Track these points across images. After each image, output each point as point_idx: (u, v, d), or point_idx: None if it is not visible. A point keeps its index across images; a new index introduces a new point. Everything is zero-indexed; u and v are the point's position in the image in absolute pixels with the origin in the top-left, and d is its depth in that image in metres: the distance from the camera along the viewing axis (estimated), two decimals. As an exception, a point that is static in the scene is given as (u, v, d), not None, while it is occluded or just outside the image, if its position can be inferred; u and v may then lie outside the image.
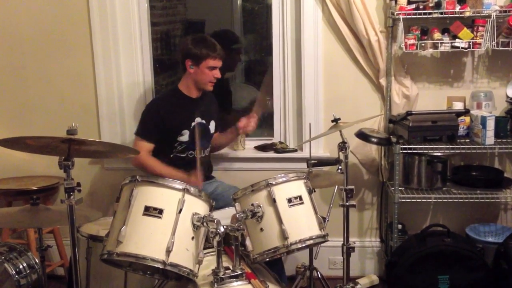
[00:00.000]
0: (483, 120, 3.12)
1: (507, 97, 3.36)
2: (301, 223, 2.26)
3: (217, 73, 3.14)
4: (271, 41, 3.61)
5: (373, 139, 3.22)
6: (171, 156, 3.18)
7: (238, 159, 3.62)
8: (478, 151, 3.20)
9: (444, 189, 3.30)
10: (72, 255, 2.23)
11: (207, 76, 3.12)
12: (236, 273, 2.09)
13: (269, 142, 3.69)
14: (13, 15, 3.57)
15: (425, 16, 3.12)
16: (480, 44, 3.11)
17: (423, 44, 3.16)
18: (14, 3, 3.56)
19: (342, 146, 2.67)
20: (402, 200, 3.24)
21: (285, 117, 3.64)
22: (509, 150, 3.21)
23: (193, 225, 2.12)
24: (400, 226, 3.38)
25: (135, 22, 3.61)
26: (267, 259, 2.23)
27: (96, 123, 3.64)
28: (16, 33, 3.60)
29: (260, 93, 3.29)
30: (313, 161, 3.01)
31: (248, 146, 3.67)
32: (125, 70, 3.63)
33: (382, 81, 3.38)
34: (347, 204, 2.65)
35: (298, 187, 2.31)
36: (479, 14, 3.11)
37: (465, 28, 3.10)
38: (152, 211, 2.08)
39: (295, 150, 3.59)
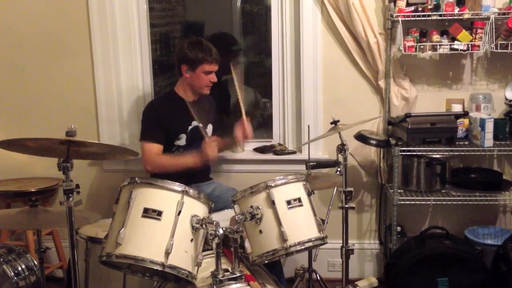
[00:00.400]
0: (482, 122, 3.12)
1: (506, 99, 3.37)
2: (300, 225, 2.26)
3: (213, 77, 3.13)
4: (270, 43, 3.61)
5: (372, 141, 3.22)
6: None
7: (237, 161, 3.62)
8: (477, 153, 3.20)
9: (443, 191, 3.30)
10: (71, 257, 2.23)
11: (203, 80, 3.11)
12: (235, 275, 2.09)
13: (268, 144, 3.69)
14: (13, 17, 3.58)
15: (424, 18, 3.13)
16: (479, 46, 3.12)
17: (422, 46, 3.17)
18: (14, 6, 3.56)
19: (341, 148, 2.67)
20: (401, 202, 3.24)
21: (284, 119, 3.64)
22: (508, 152, 3.22)
23: (192, 227, 2.11)
24: (399, 228, 3.38)
25: (134, 23, 3.62)
26: (266, 261, 2.23)
27: (95, 125, 3.64)
28: (15, 35, 3.60)
29: (239, 89, 3.18)
30: (312, 163, 3.01)
31: (247, 148, 3.67)
32: (124, 71, 3.63)
33: (381, 83, 3.38)
34: (346, 206, 2.65)
35: (297, 189, 2.31)
36: (478, 16, 3.11)
37: (464, 30, 3.11)
38: (151, 213, 2.07)
39: (294, 152, 3.59)
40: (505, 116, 3.33)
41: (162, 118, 3.12)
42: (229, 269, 2.12)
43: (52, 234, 3.59)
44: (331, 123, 2.81)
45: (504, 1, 3.23)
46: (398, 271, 3.13)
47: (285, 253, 2.21)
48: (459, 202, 3.21)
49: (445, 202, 3.24)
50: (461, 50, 3.15)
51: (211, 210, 2.24)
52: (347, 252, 2.69)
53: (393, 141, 3.23)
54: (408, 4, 3.17)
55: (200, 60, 3.06)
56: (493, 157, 3.50)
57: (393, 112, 3.39)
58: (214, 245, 2.07)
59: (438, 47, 3.16)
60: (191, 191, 2.14)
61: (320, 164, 3.12)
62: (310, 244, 2.26)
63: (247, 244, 2.23)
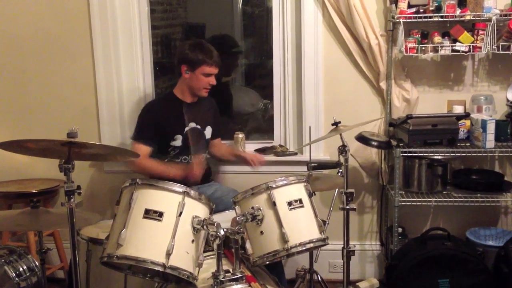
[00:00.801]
0: (484, 123, 3.12)
1: (508, 100, 3.37)
2: (301, 226, 2.26)
3: (212, 80, 3.13)
4: (272, 45, 3.61)
5: (373, 143, 3.22)
6: (166, 160, 3.17)
7: (238, 162, 3.61)
8: (478, 154, 3.20)
9: (444, 192, 3.29)
10: (72, 258, 2.22)
11: (202, 82, 3.11)
12: (236, 276, 2.09)
13: (269, 145, 3.69)
14: (14, 19, 3.58)
15: (426, 19, 3.13)
16: (480, 47, 3.12)
17: (423, 48, 3.17)
18: (15, 7, 3.57)
19: (342, 150, 2.67)
20: (402, 203, 3.23)
21: (285, 120, 3.64)
22: (509, 154, 3.21)
23: (193, 228, 2.11)
24: (400, 230, 3.38)
25: (136, 25, 3.62)
26: (267, 262, 2.23)
27: (96, 126, 3.64)
28: (17, 37, 3.61)
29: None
30: (313, 164, 3.01)
31: (249, 149, 3.66)
32: (125, 73, 3.63)
33: (382, 85, 3.38)
34: (347, 207, 2.65)
35: (298, 190, 2.31)
36: (479, 18, 3.11)
37: (465, 32, 3.11)
38: (152, 214, 2.07)
39: (295, 153, 3.59)
40: (507, 118, 3.33)
41: (157, 120, 3.12)
42: (230, 270, 2.12)
43: (53, 235, 3.59)
44: (332, 125, 2.81)
45: (506, 3, 3.23)
46: (399, 272, 3.12)
47: (286, 254, 2.21)
48: (460, 204, 3.21)
49: (446, 204, 3.23)
50: (462, 51, 3.15)
51: (212, 211, 2.24)
52: (348, 253, 2.69)
53: (394, 143, 3.22)
54: (409, 6, 3.16)
55: (200, 61, 3.06)
56: (494, 159, 3.49)
57: (394, 113, 3.39)
58: (215, 246, 2.06)
59: (440, 48, 3.16)
60: (192, 192, 2.14)
61: (321, 165, 3.12)
62: (311, 245, 2.26)
63: (248, 245, 2.23)
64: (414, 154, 3.20)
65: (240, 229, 2.09)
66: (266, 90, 3.89)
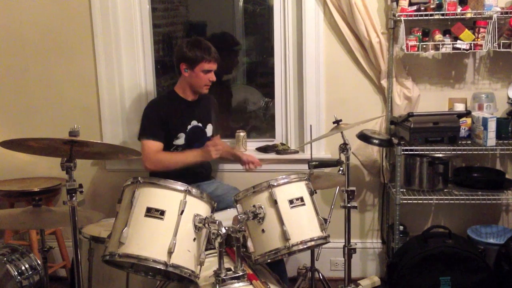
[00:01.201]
0: (485, 121, 3.12)
1: (509, 98, 3.37)
2: (303, 224, 2.26)
3: (212, 76, 3.13)
4: (273, 43, 3.61)
5: (374, 141, 3.22)
6: None
7: (234, 161, 3.61)
8: (479, 152, 3.20)
9: (445, 190, 3.30)
10: (74, 257, 2.23)
11: (202, 79, 3.11)
12: (237, 274, 2.09)
13: (271, 143, 3.69)
14: (16, 18, 3.59)
15: (427, 17, 3.13)
16: (481, 45, 3.11)
17: (424, 46, 3.17)
18: (17, 7, 3.57)
19: (344, 148, 2.67)
20: (404, 201, 3.24)
21: (286, 119, 3.64)
22: (510, 152, 3.21)
23: (195, 226, 2.12)
24: (401, 228, 3.38)
25: (137, 24, 3.63)
26: (269, 261, 2.23)
27: (98, 125, 3.65)
28: (19, 36, 3.61)
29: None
30: (314, 163, 3.01)
31: (250, 148, 3.67)
32: (127, 72, 3.64)
33: (384, 83, 3.38)
34: (349, 205, 2.65)
35: (300, 189, 2.31)
36: (480, 16, 3.11)
37: (466, 30, 3.11)
38: (154, 213, 2.08)
39: (296, 152, 3.60)
40: (508, 115, 3.33)
41: (162, 117, 3.12)
42: (232, 268, 2.13)
43: (55, 234, 3.60)
44: (334, 123, 2.80)
45: (507, 0, 3.24)
46: (400, 270, 3.13)
47: (288, 252, 2.21)
48: (461, 201, 3.21)
49: (447, 201, 3.24)
50: (463, 49, 3.15)
51: (214, 210, 2.25)
52: (349, 251, 2.69)
53: (395, 141, 3.22)
54: (410, 4, 3.17)
55: (199, 58, 3.06)
56: (495, 156, 3.50)
57: (396, 111, 3.39)
58: (216, 244, 2.07)
59: (441, 46, 3.16)
60: (193, 190, 2.15)
61: (323, 163, 3.12)
62: (313, 243, 2.26)
63: (249, 243, 2.23)
64: (415, 152, 3.21)
65: (241, 227, 2.09)
66: (267, 88, 3.89)
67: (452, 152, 3.25)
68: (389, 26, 3.32)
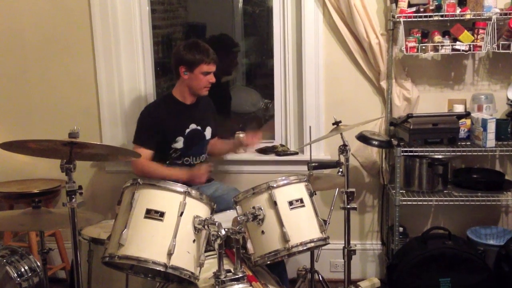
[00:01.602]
0: (484, 122, 3.12)
1: (508, 99, 3.37)
2: (302, 225, 2.26)
3: (211, 78, 3.13)
4: (272, 44, 3.61)
5: (374, 142, 3.22)
6: (167, 162, 3.17)
7: (239, 161, 3.62)
8: (479, 153, 3.20)
9: (445, 191, 3.30)
10: (74, 258, 2.23)
11: (201, 81, 3.11)
12: (237, 276, 2.09)
13: (270, 144, 3.69)
14: (16, 20, 3.59)
15: (426, 19, 3.13)
16: (480, 46, 3.12)
17: (423, 47, 3.17)
18: (16, 8, 3.57)
19: (343, 149, 2.67)
20: (403, 202, 3.24)
21: (286, 120, 3.64)
22: (510, 153, 3.21)
23: (194, 228, 2.12)
24: (401, 229, 3.38)
25: (137, 25, 3.62)
26: (268, 262, 2.23)
27: (98, 126, 3.64)
28: (18, 38, 3.61)
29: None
30: (314, 164, 3.01)
31: (249, 149, 3.67)
32: (126, 73, 3.64)
33: (383, 84, 3.38)
34: (348, 206, 2.65)
35: (299, 190, 2.31)
36: (479, 17, 3.11)
37: (465, 31, 3.11)
38: (154, 214, 2.08)
39: (296, 153, 3.59)
40: (507, 117, 3.33)
41: (157, 123, 3.11)
42: (231, 269, 2.13)
43: (55, 235, 3.59)
44: (333, 124, 2.81)
45: (506, 2, 3.24)
46: (400, 271, 3.13)
47: (287, 254, 2.21)
48: (461, 203, 3.21)
49: (447, 203, 3.24)
50: (463, 50, 3.15)
51: (214, 211, 2.25)
52: (349, 253, 2.69)
53: (395, 142, 3.22)
54: (409, 5, 3.17)
55: (198, 61, 3.06)
56: (495, 158, 3.50)
57: (395, 112, 3.39)
58: (216, 246, 2.07)
59: (440, 47, 3.16)
60: (193, 192, 2.15)
61: (322, 165, 3.12)
62: (312, 244, 2.26)
63: (249, 244, 2.23)
64: (414, 153, 3.21)
65: (241, 228, 2.10)
66: (266, 90, 3.90)
67: (452, 153, 3.25)
68: (388, 28, 3.32)
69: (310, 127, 3.28)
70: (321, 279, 3.08)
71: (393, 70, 3.34)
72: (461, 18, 3.12)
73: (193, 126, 3.20)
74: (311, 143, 3.14)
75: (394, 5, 3.20)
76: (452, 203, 3.22)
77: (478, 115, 3.23)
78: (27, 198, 3.35)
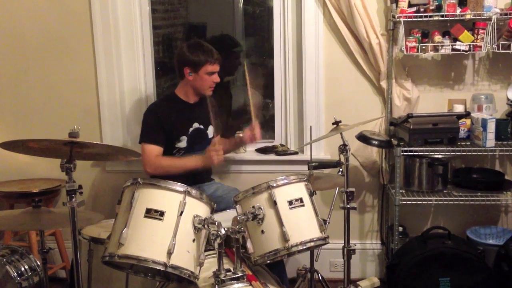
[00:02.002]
0: (484, 122, 3.12)
1: (508, 99, 3.37)
2: (302, 225, 2.27)
3: (216, 78, 3.14)
4: (272, 44, 3.62)
5: (374, 142, 3.22)
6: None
7: (239, 161, 3.62)
8: (479, 153, 3.21)
9: (445, 191, 3.30)
10: (74, 258, 2.24)
11: (206, 82, 3.12)
12: (237, 275, 2.10)
13: (270, 144, 3.70)
14: (16, 20, 3.59)
15: (426, 19, 3.13)
16: (480, 46, 3.12)
17: (424, 47, 3.17)
18: (17, 8, 3.58)
19: (343, 149, 2.68)
20: (403, 202, 3.24)
21: (286, 120, 3.65)
22: (510, 153, 3.22)
23: (194, 227, 2.12)
24: (401, 229, 3.38)
25: (137, 25, 3.63)
26: (268, 261, 2.24)
27: (98, 126, 3.65)
28: (19, 38, 3.62)
29: (251, 94, 3.25)
30: (314, 164, 3.02)
31: (249, 149, 3.67)
32: (126, 73, 3.64)
33: (383, 84, 3.38)
34: (348, 206, 2.65)
35: (299, 190, 2.32)
36: (479, 17, 3.11)
37: (465, 31, 3.11)
38: (154, 214, 2.08)
39: (296, 153, 3.60)
40: (507, 117, 3.33)
41: (162, 121, 3.12)
42: (231, 269, 2.13)
43: (55, 235, 3.60)
44: (333, 124, 2.81)
45: (506, 2, 3.24)
46: (400, 271, 3.13)
47: (287, 253, 2.22)
48: (461, 202, 3.21)
49: (447, 202, 3.24)
50: (463, 50, 3.15)
51: (213, 210, 2.25)
52: (349, 252, 2.69)
53: (395, 142, 3.23)
54: (410, 5, 3.17)
55: (202, 61, 3.07)
56: (495, 157, 3.50)
57: (395, 112, 3.39)
58: (216, 245, 2.07)
59: (440, 47, 3.17)
60: (193, 191, 2.15)
61: (322, 164, 3.12)
62: (312, 244, 2.27)
63: (249, 244, 2.23)
64: (414, 153, 3.21)
65: (241, 228, 2.10)
66: (267, 90, 3.89)
67: (452, 153, 3.25)
68: (388, 28, 3.32)
69: (310, 126, 3.28)
70: (320, 278, 3.08)
71: (393, 70, 3.34)
72: (461, 18, 3.12)
73: (196, 125, 3.21)
74: (311, 142, 3.14)
75: (394, 5, 3.20)
76: (452, 203, 3.23)
77: (478, 115, 3.23)
78: (27, 198, 3.35)
